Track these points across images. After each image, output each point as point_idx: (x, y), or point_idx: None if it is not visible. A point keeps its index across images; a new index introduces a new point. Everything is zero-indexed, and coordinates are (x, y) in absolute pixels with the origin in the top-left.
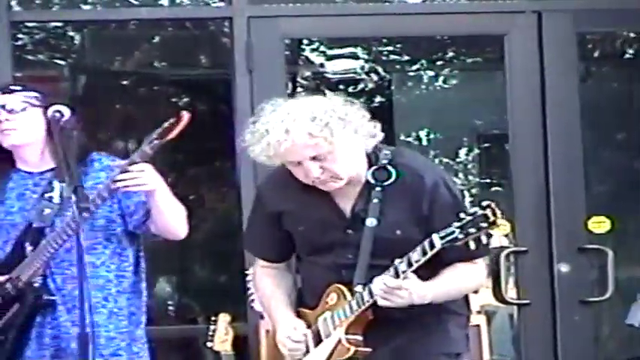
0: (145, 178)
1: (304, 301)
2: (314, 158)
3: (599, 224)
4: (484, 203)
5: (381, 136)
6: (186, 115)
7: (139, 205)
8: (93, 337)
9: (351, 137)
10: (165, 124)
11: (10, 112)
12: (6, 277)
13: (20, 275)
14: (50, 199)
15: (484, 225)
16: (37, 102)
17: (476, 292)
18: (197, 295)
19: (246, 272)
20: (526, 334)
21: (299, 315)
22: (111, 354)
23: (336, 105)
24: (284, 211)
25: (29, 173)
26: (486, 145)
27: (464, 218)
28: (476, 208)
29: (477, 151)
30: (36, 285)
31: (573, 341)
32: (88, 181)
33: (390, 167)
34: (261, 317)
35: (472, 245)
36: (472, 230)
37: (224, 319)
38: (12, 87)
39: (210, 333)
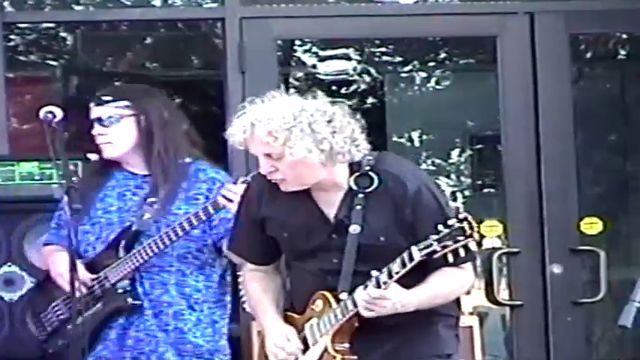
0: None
1: (293, 305)
2: (268, 155)
3: (592, 225)
4: (461, 216)
5: (365, 149)
6: None
7: (222, 221)
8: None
9: (307, 147)
10: None
11: (104, 125)
12: (94, 276)
13: (109, 276)
14: (152, 204)
15: (461, 238)
16: (129, 111)
17: (468, 293)
18: None
19: (238, 273)
20: (518, 335)
21: (287, 320)
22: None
23: (312, 114)
24: (268, 216)
25: (133, 174)
26: (479, 146)
27: (441, 231)
28: (453, 221)
29: (469, 152)
30: (121, 291)
31: (566, 342)
32: (190, 190)
33: (372, 174)
34: (253, 319)
35: (450, 258)
36: (449, 243)
37: None
38: (104, 98)
39: None
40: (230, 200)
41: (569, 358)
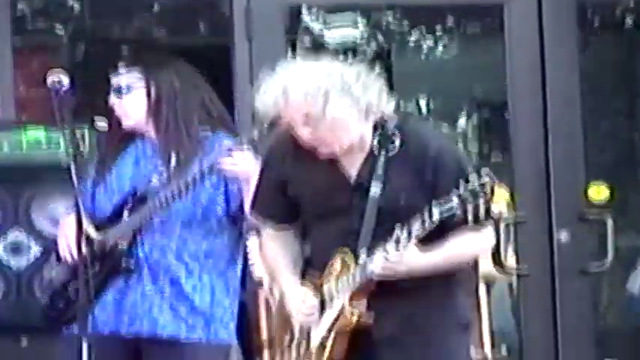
0: (243, 166)
1: (311, 267)
2: (306, 120)
3: (599, 192)
4: (482, 173)
5: (391, 106)
6: None
7: (240, 191)
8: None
9: (347, 107)
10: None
11: (118, 96)
12: (95, 237)
13: (109, 238)
14: (162, 172)
15: (481, 196)
16: (141, 81)
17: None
18: None
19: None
20: (525, 303)
21: (305, 281)
22: (189, 328)
23: (342, 74)
24: (290, 176)
25: (151, 142)
26: (486, 113)
27: (462, 190)
28: (474, 179)
29: (476, 119)
30: (119, 250)
31: (573, 310)
32: (203, 157)
33: (394, 135)
34: (260, 285)
35: (470, 216)
36: (469, 201)
37: None
38: (119, 68)
39: None
40: (228, 165)
41: (576, 325)
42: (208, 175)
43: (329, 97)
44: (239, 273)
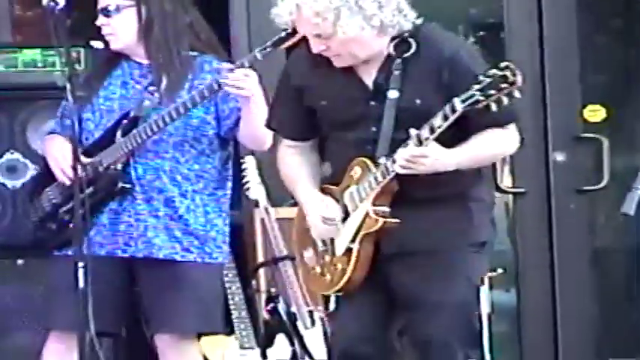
0: (248, 84)
1: (329, 180)
2: (318, 35)
3: (595, 113)
4: (502, 64)
5: (412, 20)
6: (299, 33)
7: (233, 111)
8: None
9: (359, 24)
10: (282, 34)
11: (106, 16)
12: (89, 160)
13: (103, 160)
14: (153, 92)
15: (504, 85)
16: (130, 1)
17: None
18: None
19: (242, 161)
20: (521, 222)
21: (324, 191)
22: (183, 248)
23: None
24: (307, 85)
25: (138, 64)
26: (481, 33)
27: (483, 80)
28: (494, 70)
29: (471, 39)
30: (113, 172)
31: (568, 230)
32: (195, 81)
33: (410, 39)
34: (256, 205)
35: (493, 107)
36: (492, 92)
37: None
38: None
39: None
40: (228, 84)
41: (572, 245)
42: (204, 96)
43: (340, 15)
44: (229, 194)
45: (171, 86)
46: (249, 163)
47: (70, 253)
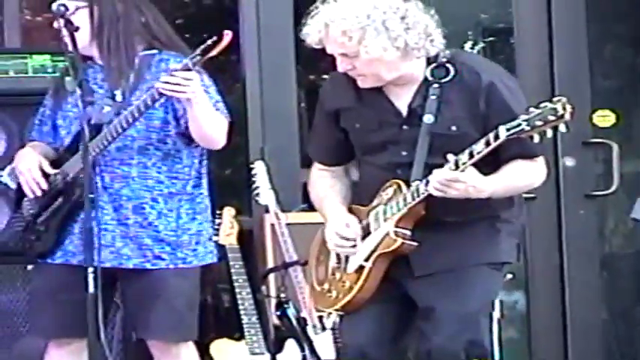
0: (188, 87)
1: (359, 201)
2: (344, 54)
3: (605, 118)
4: (555, 98)
5: (440, 44)
6: (228, 35)
7: (186, 110)
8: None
9: (382, 45)
10: (209, 42)
11: (62, 17)
12: (56, 170)
13: (68, 171)
14: (114, 96)
15: (552, 118)
16: (83, 2)
17: None
18: None
19: (251, 166)
20: (531, 228)
21: (350, 211)
22: (155, 256)
23: (386, 11)
24: (341, 108)
25: (100, 67)
26: (491, 38)
27: (532, 111)
28: (546, 103)
29: (481, 45)
30: (81, 182)
31: (578, 235)
32: (153, 81)
33: (448, 65)
34: (266, 211)
35: (536, 138)
36: (539, 123)
37: (229, 212)
38: None
39: (216, 227)
40: (167, 87)
41: (581, 250)
42: (158, 96)
43: (365, 34)
44: (206, 193)
45: (129, 89)
46: (259, 169)
47: (49, 261)
